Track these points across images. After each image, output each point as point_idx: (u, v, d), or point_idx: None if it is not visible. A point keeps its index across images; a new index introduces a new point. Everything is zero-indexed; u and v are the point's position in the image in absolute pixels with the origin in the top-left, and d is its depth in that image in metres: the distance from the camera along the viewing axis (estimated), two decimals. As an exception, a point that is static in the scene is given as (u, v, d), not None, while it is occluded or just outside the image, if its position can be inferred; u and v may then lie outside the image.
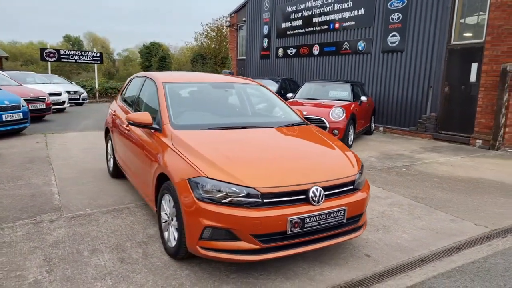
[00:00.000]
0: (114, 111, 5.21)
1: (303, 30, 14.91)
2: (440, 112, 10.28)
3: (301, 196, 2.91)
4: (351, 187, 3.21)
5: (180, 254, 3.08)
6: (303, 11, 14.81)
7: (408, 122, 11.15)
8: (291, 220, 2.80)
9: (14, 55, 49.92)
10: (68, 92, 15.98)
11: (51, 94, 13.21)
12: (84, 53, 22.63)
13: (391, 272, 3.18)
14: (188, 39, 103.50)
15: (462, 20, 9.93)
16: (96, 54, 22.98)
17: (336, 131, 7.87)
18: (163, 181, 3.38)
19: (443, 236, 3.92)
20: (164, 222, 3.38)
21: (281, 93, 11.62)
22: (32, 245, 3.38)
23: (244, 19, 19.05)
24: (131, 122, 3.72)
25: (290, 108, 4.54)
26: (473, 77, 9.49)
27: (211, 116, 4.04)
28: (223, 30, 34.47)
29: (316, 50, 14.30)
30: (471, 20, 9.81)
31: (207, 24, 38.10)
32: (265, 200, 2.80)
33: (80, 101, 17.83)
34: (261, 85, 4.81)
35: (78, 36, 63.42)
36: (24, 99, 9.76)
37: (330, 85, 9.90)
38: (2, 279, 2.83)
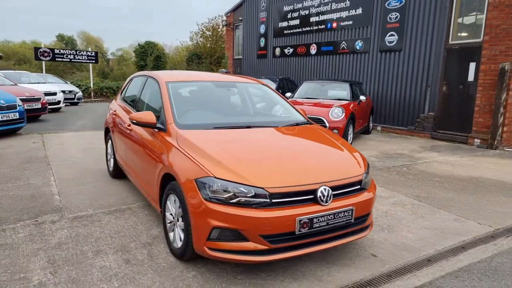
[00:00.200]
0: (115, 111, 5.15)
1: (300, 30, 14.90)
2: (438, 112, 10.32)
3: (309, 196, 2.88)
4: (358, 186, 3.20)
5: (186, 255, 3.04)
6: (300, 11, 14.80)
7: (406, 122, 11.18)
8: (300, 220, 2.77)
9: (7, 54, 49.42)
10: (63, 91, 15.84)
11: (46, 94, 13.08)
12: (78, 52, 22.44)
13: (399, 272, 3.16)
14: (183, 39, 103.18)
15: (460, 20, 9.96)
16: (91, 53, 22.82)
17: (335, 131, 7.86)
18: (167, 181, 3.34)
19: (448, 235, 3.91)
20: (169, 223, 3.34)
21: (279, 93, 11.59)
22: (35, 246, 3.33)
23: (240, 18, 19.00)
24: (134, 121, 3.67)
25: (294, 107, 4.52)
26: (471, 77, 9.53)
27: (215, 115, 4.01)
28: (219, 30, 34.39)
29: (313, 49, 14.30)
30: (469, 19, 9.85)
31: (202, 24, 37.98)
32: (273, 200, 2.77)
33: (75, 100, 17.68)
34: (263, 84, 4.78)
35: (71, 35, 62.95)
36: (20, 99, 9.64)
37: (329, 84, 9.89)
38: (6, 281, 2.78)
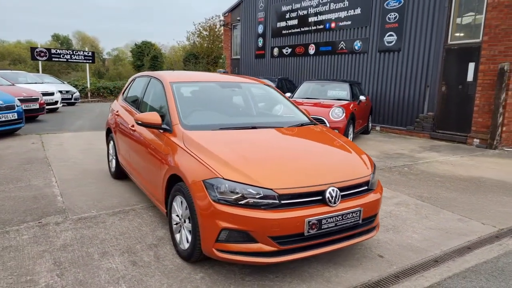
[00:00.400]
0: (117, 111, 5.12)
1: (298, 30, 14.90)
2: (437, 112, 10.35)
3: (318, 197, 2.87)
4: (366, 187, 3.19)
5: (194, 256, 3.02)
6: (299, 11, 14.80)
7: (405, 122, 11.21)
8: (309, 222, 2.77)
9: (2, 54, 49.11)
10: (61, 91, 15.74)
11: (44, 94, 12.99)
12: (75, 52, 22.32)
13: (406, 273, 3.16)
14: (179, 39, 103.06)
15: (459, 20, 10.00)
16: (88, 53, 22.70)
17: (336, 131, 7.85)
18: (173, 182, 3.32)
19: (453, 235, 3.92)
20: (175, 224, 3.32)
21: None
22: (40, 248, 3.30)
23: (238, 18, 18.98)
24: (139, 122, 3.65)
25: (298, 108, 4.51)
26: (470, 77, 9.57)
27: (220, 116, 3.99)
28: (216, 30, 34.35)
29: (312, 49, 14.30)
30: (468, 20, 9.89)
31: (199, 23, 37.93)
32: (282, 202, 2.76)
33: (73, 101, 17.57)
34: (267, 85, 4.77)
35: (67, 35, 62.61)
36: (18, 99, 9.57)
37: (329, 84, 9.90)
38: (13, 284, 2.75)
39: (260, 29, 17.18)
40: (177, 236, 3.29)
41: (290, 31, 15.34)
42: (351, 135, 8.60)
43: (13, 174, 5.57)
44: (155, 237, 3.62)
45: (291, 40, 15.39)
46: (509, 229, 4.15)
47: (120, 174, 5.29)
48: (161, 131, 3.64)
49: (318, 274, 3.08)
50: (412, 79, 10.94)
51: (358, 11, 12.33)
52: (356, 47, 12.49)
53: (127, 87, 5.40)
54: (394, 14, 11.21)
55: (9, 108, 8.76)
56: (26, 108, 10.69)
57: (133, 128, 4.29)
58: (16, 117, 8.88)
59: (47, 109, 12.97)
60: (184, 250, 3.13)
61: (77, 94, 18.03)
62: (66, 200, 4.53)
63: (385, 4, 11.47)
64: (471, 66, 9.52)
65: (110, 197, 4.70)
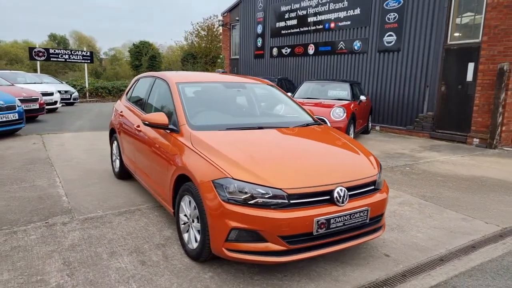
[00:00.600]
0: (121, 112, 5.13)
1: (298, 30, 14.93)
2: (437, 111, 10.41)
3: (326, 196, 2.90)
4: (373, 187, 3.22)
5: (203, 256, 3.04)
6: (298, 11, 14.83)
7: (405, 121, 11.26)
8: (317, 221, 2.79)
9: (-2, 54, 48.97)
10: (59, 92, 15.71)
11: (43, 94, 12.96)
12: (74, 52, 22.28)
13: (413, 271, 3.19)
14: (177, 38, 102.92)
15: (458, 20, 10.05)
16: (86, 53, 22.67)
17: (337, 131, 7.89)
18: (181, 182, 3.34)
19: (457, 234, 3.95)
20: (183, 224, 3.34)
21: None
22: (49, 248, 3.31)
23: (237, 18, 19.00)
24: (146, 123, 3.66)
25: (302, 108, 4.54)
26: (469, 77, 9.62)
27: (226, 116, 4.01)
28: (214, 30, 34.37)
29: (311, 49, 14.34)
30: (467, 20, 9.94)
31: (197, 23, 37.91)
32: (291, 201, 2.78)
33: (71, 101, 17.54)
34: (270, 85, 4.79)
35: (64, 35, 62.43)
36: (18, 99, 9.55)
37: (329, 84, 9.93)
38: (24, 284, 2.76)
39: (259, 29, 17.21)
40: (185, 235, 3.31)
41: (289, 31, 15.37)
42: (352, 135, 8.64)
43: (16, 175, 5.57)
44: (162, 237, 3.64)
45: (290, 40, 15.42)
46: (512, 228, 4.19)
47: (124, 174, 5.30)
48: (168, 131, 3.66)
49: (326, 273, 3.10)
50: (412, 79, 10.99)
51: (357, 11, 12.37)
52: (356, 47, 12.53)
53: (130, 88, 5.41)
54: (394, 14, 11.26)
55: (10, 108, 8.74)
56: (26, 108, 10.66)
57: (138, 129, 4.30)
58: (17, 118, 8.87)
59: (46, 109, 12.95)
60: (193, 250, 3.15)
61: (75, 94, 18.00)
62: (71, 200, 4.53)
63: (384, 4, 11.52)
64: (471, 66, 9.57)
65: (115, 197, 4.71)
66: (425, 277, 3.10)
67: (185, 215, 3.29)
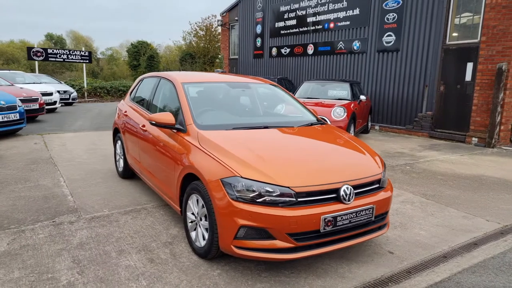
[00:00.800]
0: (125, 112, 5.16)
1: (297, 30, 14.99)
2: (436, 111, 10.48)
3: (332, 194, 2.95)
4: (377, 185, 3.27)
5: (211, 254, 3.08)
6: (297, 11, 14.88)
7: (404, 121, 11.33)
8: (325, 219, 2.84)
9: (-5, 54, 48.82)
10: (58, 91, 15.71)
11: (43, 94, 12.96)
12: (72, 52, 22.24)
13: (417, 268, 3.24)
14: (175, 38, 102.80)
15: (457, 21, 10.13)
16: (85, 53, 22.64)
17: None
18: (188, 181, 3.38)
19: (459, 232, 4.01)
20: (191, 222, 3.38)
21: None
22: (57, 247, 3.34)
23: (236, 18, 19.03)
24: (153, 122, 3.71)
25: (306, 108, 4.58)
26: (468, 76, 9.70)
27: (231, 116, 4.05)
28: (212, 29, 34.39)
29: (310, 49, 14.40)
30: (466, 20, 10.02)
31: (195, 23, 37.93)
32: (299, 199, 2.83)
33: (70, 101, 17.53)
34: (275, 85, 4.84)
35: (60, 34, 62.28)
36: (18, 99, 9.56)
37: (329, 84, 9.99)
38: (35, 281, 2.79)
39: (258, 29, 17.25)
40: (193, 234, 3.35)
41: (288, 31, 15.42)
42: (352, 135, 8.69)
43: (20, 174, 5.60)
44: (169, 235, 3.68)
45: (290, 40, 15.47)
46: (513, 225, 4.25)
47: (128, 173, 5.34)
48: (174, 131, 3.70)
49: (332, 270, 3.15)
50: (411, 79, 11.06)
51: (356, 11, 12.43)
52: (355, 47, 12.59)
53: (134, 88, 5.45)
54: (393, 15, 11.33)
55: (11, 108, 8.76)
56: (26, 108, 10.65)
57: (144, 128, 4.34)
58: (18, 118, 8.88)
59: (45, 109, 12.95)
60: (201, 248, 3.19)
61: (74, 94, 17.99)
62: (77, 200, 4.57)
63: (383, 5, 11.58)
64: (469, 66, 9.65)
65: (120, 196, 4.74)
66: (429, 273, 3.15)
67: (193, 214, 3.34)
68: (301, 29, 14.77)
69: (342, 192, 2.94)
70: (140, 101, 4.99)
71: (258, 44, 17.39)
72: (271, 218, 2.74)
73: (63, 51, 22.00)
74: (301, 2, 14.63)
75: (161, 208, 4.38)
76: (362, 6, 12.24)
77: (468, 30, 9.90)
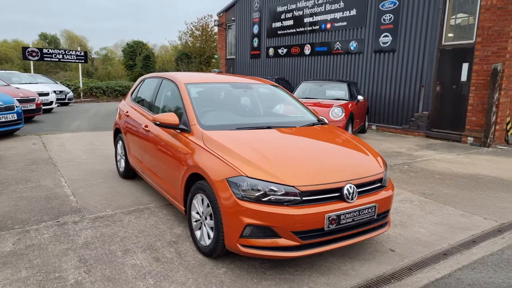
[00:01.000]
0: (127, 112, 5.19)
1: (294, 30, 15.06)
2: (432, 111, 10.59)
3: (336, 193, 3.00)
4: (379, 184, 3.34)
5: (216, 252, 3.12)
6: (294, 11, 14.95)
7: (401, 121, 11.44)
8: (329, 217, 2.89)
9: (-13, 53, 48.43)
10: (54, 92, 15.66)
11: (39, 94, 12.90)
12: (67, 52, 22.18)
13: (418, 265, 3.30)
14: (169, 38, 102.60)
15: (452, 22, 10.24)
16: (80, 53, 22.58)
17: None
18: (192, 181, 3.42)
19: (458, 230, 4.09)
20: (195, 222, 3.42)
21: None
22: (63, 246, 3.37)
23: (233, 18, 19.07)
24: (157, 123, 3.74)
25: (307, 108, 4.64)
26: (464, 77, 9.82)
27: (234, 116, 4.10)
28: (208, 29, 34.37)
29: (307, 50, 14.47)
30: (461, 21, 10.14)
31: (191, 23, 37.87)
32: (303, 198, 2.88)
33: (66, 101, 17.48)
34: (276, 86, 4.89)
35: (54, 34, 61.88)
36: (16, 99, 9.53)
37: (327, 84, 10.06)
38: (43, 281, 2.82)
39: (255, 29, 17.30)
40: (197, 233, 3.39)
41: (285, 31, 15.49)
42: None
43: (21, 175, 5.60)
44: (173, 234, 3.72)
45: (287, 41, 15.54)
46: (510, 223, 4.33)
47: (129, 173, 5.37)
48: (178, 131, 3.73)
49: (335, 267, 3.21)
50: (407, 79, 11.17)
51: (353, 12, 12.52)
52: (352, 48, 12.68)
53: (135, 88, 5.47)
54: (389, 16, 11.43)
55: (9, 109, 8.73)
56: (23, 108, 10.62)
57: (146, 129, 4.37)
58: (16, 118, 8.86)
59: (42, 109, 12.90)
60: (206, 246, 3.23)
61: (70, 94, 17.93)
62: (79, 200, 4.59)
63: (380, 6, 11.68)
64: (465, 66, 9.77)
65: (122, 197, 4.77)
66: (430, 270, 3.22)
67: (197, 213, 3.38)
68: (298, 30, 14.84)
69: (345, 191, 3.00)
70: (142, 102, 5.02)
71: (255, 44, 17.44)
72: (277, 216, 2.79)
73: (58, 51, 21.93)
74: (298, 3, 14.71)
75: (164, 207, 4.41)
76: (359, 6, 12.33)
77: (463, 31, 10.02)
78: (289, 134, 3.78)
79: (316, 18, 13.99)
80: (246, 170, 2.92)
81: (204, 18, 34.81)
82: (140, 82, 5.41)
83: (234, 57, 19.46)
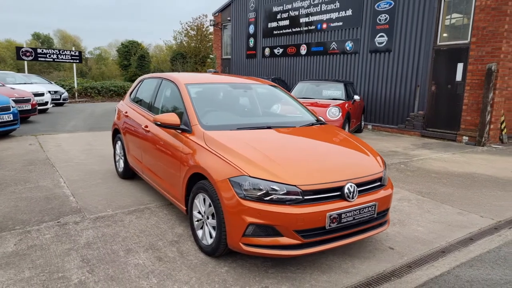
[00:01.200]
0: (126, 112, 5.20)
1: (290, 30, 15.11)
2: (427, 110, 10.69)
3: (337, 192, 3.04)
4: (379, 183, 3.38)
5: (218, 251, 3.15)
6: (290, 11, 15.00)
7: (397, 120, 11.52)
8: (330, 216, 2.93)
9: (-20, 53, 48.00)
10: (49, 92, 15.57)
11: (34, 95, 12.84)
12: (62, 52, 22.05)
13: (417, 263, 3.35)
14: (164, 37, 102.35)
15: (447, 22, 10.34)
16: (75, 53, 22.47)
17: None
18: (193, 181, 3.44)
19: (455, 228, 4.15)
20: (197, 221, 3.45)
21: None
22: (65, 247, 3.38)
23: (229, 18, 19.09)
24: (158, 123, 3.76)
25: (306, 108, 4.68)
26: (459, 77, 9.92)
27: (235, 116, 4.12)
28: (203, 29, 34.34)
29: (303, 50, 14.52)
30: (456, 22, 10.24)
31: (186, 23, 37.82)
32: (305, 197, 2.91)
33: (61, 101, 17.39)
34: (275, 86, 4.92)
35: (48, 33, 61.49)
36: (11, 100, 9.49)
37: (324, 84, 10.12)
38: (46, 281, 2.83)
39: (251, 29, 17.33)
40: (199, 232, 3.42)
41: (281, 31, 15.53)
42: (347, 134, 8.84)
43: (19, 176, 5.59)
44: (175, 234, 3.74)
45: (283, 41, 15.58)
46: (506, 221, 4.40)
47: (128, 173, 5.37)
48: (179, 131, 3.75)
49: (336, 265, 3.25)
50: (403, 79, 11.25)
51: (349, 12, 12.59)
52: (348, 48, 12.75)
53: (134, 88, 5.48)
54: (385, 16, 11.51)
55: (5, 109, 8.69)
56: (19, 109, 10.57)
57: (147, 129, 4.39)
58: (12, 119, 8.82)
59: (37, 110, 12.83)
60: (208, 246, 3.26)
61: (65, 94, 17.85)
62: (79, 200, 4.59)
63: (376, 6, 11.76)
64: (460, 66, 9.87)
65: (122, 197, 4.78)
66: (429, 267, 3.27)
67: (199, 212, 3.40)
68: (294, 30, 14.89)
69: (346, 190, 3.04)
70: (141, 102, 5.03)
71: (251, 44, 17.47)
72: (279, 215, 2.82)
73: (52, 50, 21.80)
74: (294, 3, 14.76)
75: (164, 207, 4.43)
76: (355, 7, 12.40)
77: (458, 31, 10.11)
78: (289, 134, 3.81)
79: (312, 18, 14.05)
80: (248, 169, 2.95)
81: (199, 17, 34.79)
82: (139, 83, 5.42)
83: (230, 57, 19.48)
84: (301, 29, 14.54)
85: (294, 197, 2.88)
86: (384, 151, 8.36)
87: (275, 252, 2.90)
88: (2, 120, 8.57)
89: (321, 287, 2.91)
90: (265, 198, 2.86)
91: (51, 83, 18.80)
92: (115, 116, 5.67)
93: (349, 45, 12.69)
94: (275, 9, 15.73)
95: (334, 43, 13.24)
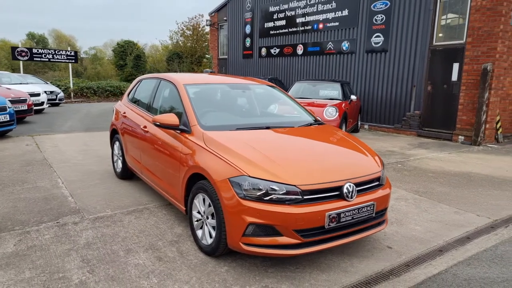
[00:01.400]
0: (124, 113, 5.20)
1: (286, 30, 15.14)
2: (423, 110, 10.75)
3: (336, 192, 3.07)
4: (377, 183, 3.41)
5: (218, 251, 3.17)
6: (286, 12, 15.03)
7: (393, 120, 11.58)
8: (329, 215, 2.96)
9: (-28, 53, 47.67)
10: (45, 92, 15.51)
11: (30, 95, 12.77)
12: (57, 52, 21.94)
13: (415, 262, 3.39)
14: (160, 37, 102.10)
15: (443, 22, 10.41)
16: (71, 53, 22.37)
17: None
18: (193, 181, 3.46)
19: (452, 227, 4.19)
20: (197, 221, 3.46)
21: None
22: (65, 247, 3.39)
23: (225, 18, 19.08)
24: (157, 123, 3.77)
25: (304, 108, 4.70)
26: (454, 77, 9.99)
27: (233, 117, 4.14)
28: (199, 29, 34.33)
29: (300, 50, 14.56)
30: (452, 22, 10.31)
31: (182, 23, 37.79)
32: (305, 197, 2.94)
33: (57, 101, 17.32)
34: (273, 86, 4.94)
35: (42, 33, 61.19)
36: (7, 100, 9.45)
37: (321, 84, 10.15)
38: (47, 281, 2.84)
39: (248, 29, 17.34)
40: (199, 232, 3.43)
41: (278, 31, 15.56)
42: (344, 134, 8.87)
43: (17, 176, 5.58)
44: (174, 234, 3.75)
45: (279, 41, 15.61)
46: (502, 219, 4.45)
47: (126, 174, 5.38)
48: (178, 132, 3.77)
49: (335, 264, 3.27)
50: (399, 79, 11.31)
51: (345, 12, 12.63)
52: (344, 48, 12.80)
53: (132, 89, 5.48)
54: (381, 16, 11.56)
55: (1, 110, 8.65)
56: (15, 109, 10.53)
57: (145, 129, 4.39)
58: (8, 119, 8.78)
59: (33, 110, 12.78)
60: (208, 245, 3.27)
61: (61, 94, 17.78)
62: (78, 201, 4.59)
63: (372, 6, 11.81)
64: (456, 66, 9.94)
65: (121, 197, 4.78)
66: (427, 266, 3.30)
67: (198, 212, 3.42)
68: (290, 30, 14.92)
69: (345, 190, 3.06)
70: (140, 103, 5.03)
71: (248, 44, 17.48)
72: (279, 215, 2.84)
73: (48, 50, 21.70)
74: (290, 3, 14.79)
75: (163, 207, 4.44)
76: (351, 7, 12.45)
77: (454, 31, 10.18)
78: (288, 134, 3.84)
79: (308, 18, 14.09)
80: (248, 169, 2.97)
81: (195, 17, 34.78)
82: (137, 83, 5.42)
83: (226, 57, 19.49)
84: (298, 29, 14.57)
85: (293, 197, 2.91)
86: (381, 151, 8.41)
87: (275, 252, 2.92)
88: (-1, 121, 8.53)
89: (320, 286, 2.93)
90: (265, 198, 2.88)
91: (47, 83, 18.72)
92: (113, 117, 5.67)
93: (345, 45, 12.74)
94: (271, 9, 15.75)
95: (330, 43, 13.28)
